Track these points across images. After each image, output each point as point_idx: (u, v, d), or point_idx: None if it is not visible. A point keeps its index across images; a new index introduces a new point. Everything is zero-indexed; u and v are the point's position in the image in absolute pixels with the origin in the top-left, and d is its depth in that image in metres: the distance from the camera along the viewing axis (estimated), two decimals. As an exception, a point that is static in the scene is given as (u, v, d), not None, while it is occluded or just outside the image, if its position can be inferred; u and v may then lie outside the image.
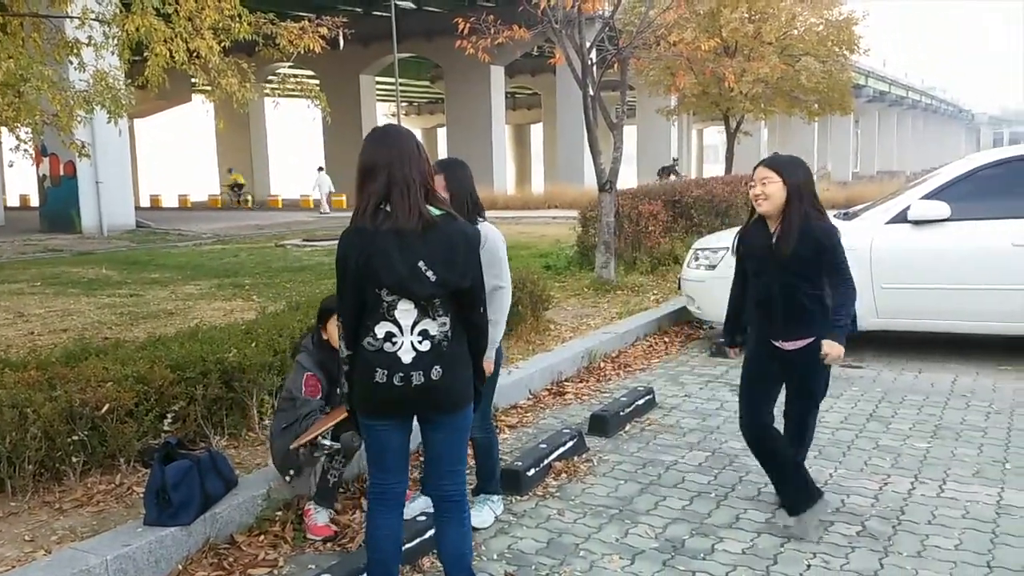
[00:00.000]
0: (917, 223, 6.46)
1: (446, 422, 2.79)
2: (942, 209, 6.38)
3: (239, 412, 4.47)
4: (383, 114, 54.53)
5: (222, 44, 6.83)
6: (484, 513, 3.78)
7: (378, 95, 43.29)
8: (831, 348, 3.53)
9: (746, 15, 17.62)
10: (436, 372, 2.67)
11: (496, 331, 3.51)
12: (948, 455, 4.58)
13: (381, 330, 2.67)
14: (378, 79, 40.95)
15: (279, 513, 3.70)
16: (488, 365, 3.57)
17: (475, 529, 3.51)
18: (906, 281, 6.48)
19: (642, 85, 21.16)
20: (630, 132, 37.64)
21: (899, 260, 6.51)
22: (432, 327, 2.68)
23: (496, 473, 3.90)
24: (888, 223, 6.60)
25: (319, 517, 3.61)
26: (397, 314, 2.66)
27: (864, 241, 6.57)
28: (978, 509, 3.87)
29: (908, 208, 6.52)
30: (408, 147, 2.71)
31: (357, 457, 3.75)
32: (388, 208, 2.63)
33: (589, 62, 9.75)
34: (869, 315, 6.62)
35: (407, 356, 2.66)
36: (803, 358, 3.64)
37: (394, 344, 2.66)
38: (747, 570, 3.35)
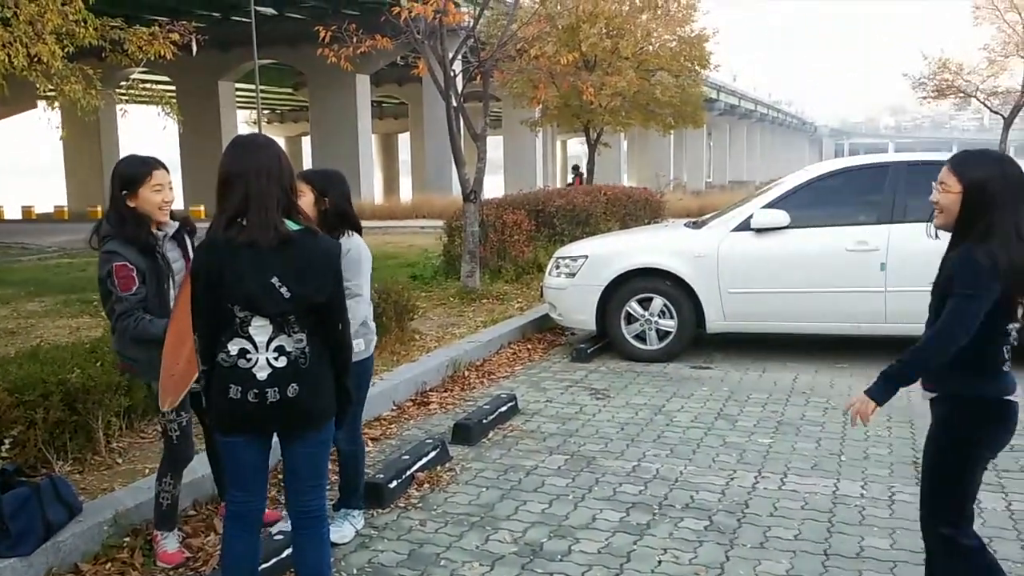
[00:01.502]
0: (759, 231, 6.85)
1: (306, 438, 2.75)
2: (782, 217, 6.80)
3: (83, 435, 4.26)
4: (244, 121, 52.92)
5: (66, 49, 6.53)
6: (344, 528, 3.75)
7: (238, 102, 42.06)
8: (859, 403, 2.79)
9: (604, 31, 18.17)
10: (293, 389, 2.63)
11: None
12: (789, 449, 4.88)
13: (234, 347, 2.62)
14: (238, 86, 39.77)
15: (127, 539, 3.55)
16: None
17: (335, 545, 3.49)
18: (750, 286, 6.86)
19: (507, 97, 21.49)
20: (496, 143, 38.05)
21: (744, 266, 6.88)
22: (288, 343, 2.63)
23: (360, 487, 3.87)
24: (733, 231, 6.97)
25: (168, 543, 3.47)
26: (251, 330, 2.62)
27: (712, 248, 6.93)
28: (816, 500, 4.13)
29: (751, 217, 6.91)
30: (268, 159, 2.64)
31: (204, 479, 3.63)
32: (244, 222, 2.57)
33: (452, 73, 9.82)
34: (717, 318, 6.97)
35: (262, 373, 2.61)
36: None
37: (248, 360, 2.62)
38: (602, 569, 3.47)
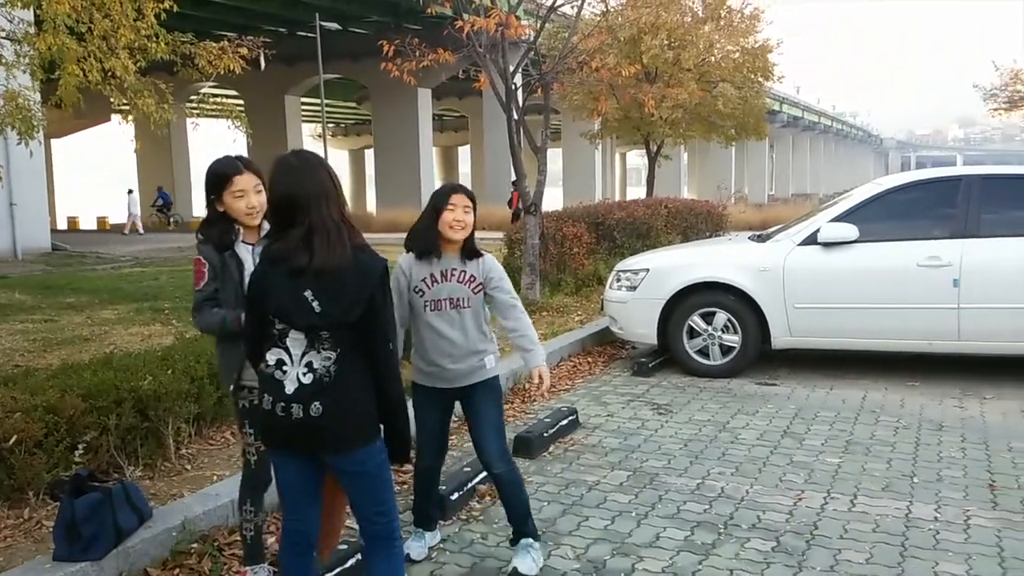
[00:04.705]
0: (827, 245, 6.70)
1: (341, 466, 2.66)
2: (850, 231, 6.65)
3: (154, 442, 4.36)
4: (309, 135, 54.01)
5: (138, 64, 6.72)
6: (527, 561, 3.52)
7: (303, 116, 42.94)
8: None
9: (666, 42, 18.05)
10: (316, 408, 2.55)
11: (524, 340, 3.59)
12: (859, 470, 4.74)
13: (272, 356, 2.62)
14: (304, 100, 40.61)
15: (195, 545, 3.61)
16: (540, 371, 3.55)
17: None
18: (817, 301, 6.72)
19: (566, 109, 21.49)
20: (556, 155, 38.08)
21: (810, 280, 6.74)
22: (316, 360, 2.58)
23: (529, 512, 3.60)
24: (800, 244, 6.84)
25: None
26: (288, 342, 2.60)
27: (777, 262, 6.80)
28: (888, 523, 4.01)
29: (818, 230, 6.77)
30: (324, 179, 2.60)
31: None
32: (309, 246, 2.53)
33: (513, 86, 9.86)
34: (783, 334, 6.83)
35: (291, 386, 2.58)
36: None
37: (283, 372, 2.59)
38: (666, 588, 3.41)
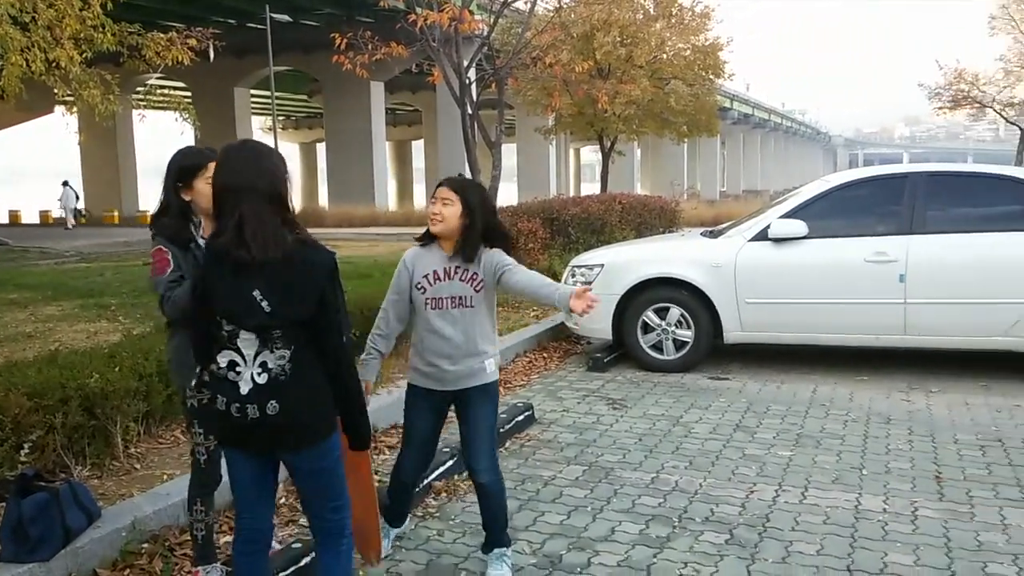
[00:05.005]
0: (777, 241, 6.81)
1: (298, 463, 2.63)
2: (799, 227, 6.76)
3: (102, 440, 4.25)
4: (259, 128, 53.31)
5: (84, 54, 6.57)
6: (503, 570, 3.44)
7: (254, 109, 42.37)
8: None
9: (618, 39, 18.19)
10: (272, 407, 2.51)
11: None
12: (809, 463, 4.83)
13: (223, 358, 2.56)
14: (254, 92, 40.04)
15: (145, 545, 3.54)
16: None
17: None
18: (768, 296, 6.82)
19: (520, 105, 21.53)
20: (510, 151, 38.08)
21: (761, 276, 6.84)
22: (271, 359, 2.52)
23: (506, 523, 3.53)
24: (751, 240, 6.93)
25: None
26: (240, 343, 2.53)
27: (729, 258, 6.89)
28: (838, 514, 4.08)
29: (769, 227, 6.87)
30: (265, 170, 2.52)
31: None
32: (244, 238, 2.44)
33: (467, 81, 9.85)
34: (735, 328, 6.93)
35: (245, 387, 2.52)
36: None
37: (237, 374, 2.53)
38: (622, 581, 3.43)
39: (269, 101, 32.99)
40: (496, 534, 3.49)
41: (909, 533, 3.86)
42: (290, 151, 66.47)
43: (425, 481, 4.33)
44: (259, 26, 29.09)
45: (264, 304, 2.47)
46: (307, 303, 2.50)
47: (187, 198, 3.14)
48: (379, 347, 3.45)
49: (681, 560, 3.61)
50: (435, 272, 3.32)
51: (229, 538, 3.56)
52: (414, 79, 35.88)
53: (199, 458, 3.22)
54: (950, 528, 3.90)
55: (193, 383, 3.07)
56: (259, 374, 2.52)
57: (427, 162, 52.13)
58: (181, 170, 3.16)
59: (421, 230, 3.49)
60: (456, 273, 3.31)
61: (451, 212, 3.26)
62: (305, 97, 48.27)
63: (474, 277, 3.32)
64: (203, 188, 3.06)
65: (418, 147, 62.56)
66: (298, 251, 2.51)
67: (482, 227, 3.29)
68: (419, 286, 3.34)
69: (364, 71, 10.21)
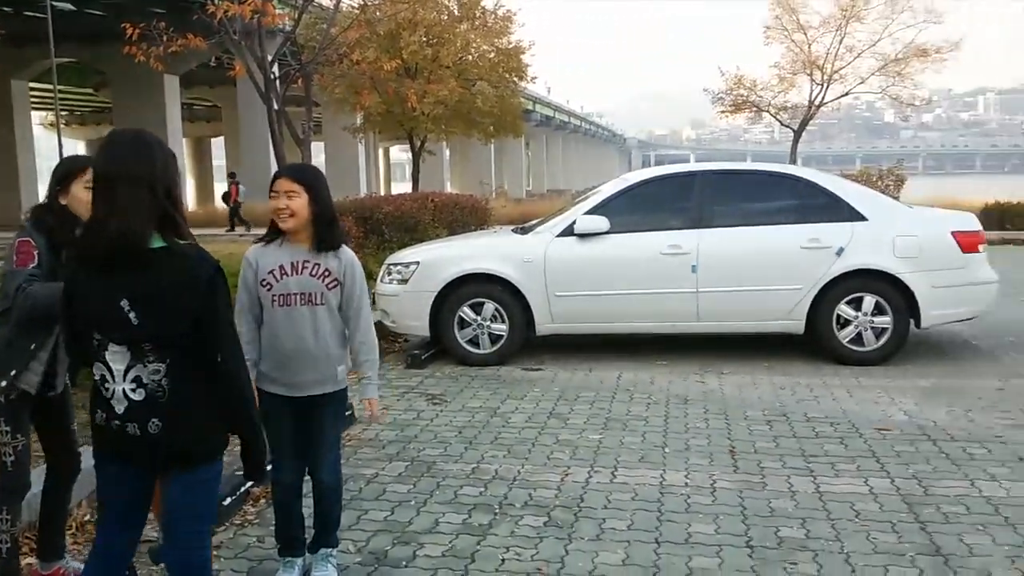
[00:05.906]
0: (582, 236, 7.13)
1: (180, 478, 2.40)
2: (602, 223, 7.12)
3: None
4: (39, 123, 49.12)
5: None
6: (329, 571, 3.37)
7: (34, 103, 38.89)
8: None
9: (424, 39, 18.29)
10: (154, 425, 2.31)
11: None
12: (618, 444, 5.11)
13: (97, 371, 2.36)
14: (33, 85, 36.75)
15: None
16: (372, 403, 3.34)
17: None
18: (575, 289, 7.13)
19: (328, 102, 21.15)
20: (318, 149, 37.28)
21: (569, 270, 7.14)
22: (144, 374, 2.30)
23: (339, 523, 3.48)
24: (558, 236, 7.22)
25: None
26: (108, 355, 2.32)
27: (539, 253, 7.15)
28: (645, 491, 4.35)
29: (575, 223, 7.18)
30: (144, 159, 2.31)
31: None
32: (104, 235, 2.25)
33: (272, 76, 9.58)
34: (546, 321, 7.20)
35: (119, 405, 2.32)
36: None
37: (107, 389, 2.33)
38: (447, 572, 3.50)
39: (51, 95, 30.45)
40: (327, 534, 3.45)
41: (709, 504, 4.17)
42: (74, 148, 61.64)
43: (243, 487, 4.20)
44: (39, 14, 26.78)
45: (132, 315, 2.26)
46: (179, 318, 2.28)
47: (63, 202, 3.01)
48: (250, 355, 3.06)
49: (503, 545, 3.73)
50: (281, 267, 3.13)
51: (31, 560, 3.32)
52: (212, 73, 34.33)
53: (6, 460, 3.00)
54: (745, 498, 4.25)
55: (3, 383, 2.89)
56: (133, 390, 2.31)
57: (228, 159, 49.92)
58: (59, 174, 3.07)
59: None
60: (305, 268, 3.13)
61: (299, 204, 3.07)
62: (92, 91, 44.96)
63: (326, 274, 3.15)
64: (79, 193, 2.95)
65: (218, 144, 59.82)
66: (172, 260, 2.29)
67: (331, 212, 3.18)
68: (265, 283, 3.14)
69: (159, 63, 9.70)
